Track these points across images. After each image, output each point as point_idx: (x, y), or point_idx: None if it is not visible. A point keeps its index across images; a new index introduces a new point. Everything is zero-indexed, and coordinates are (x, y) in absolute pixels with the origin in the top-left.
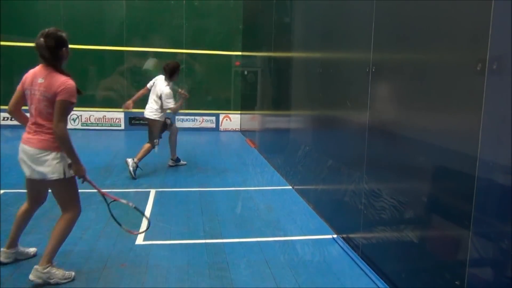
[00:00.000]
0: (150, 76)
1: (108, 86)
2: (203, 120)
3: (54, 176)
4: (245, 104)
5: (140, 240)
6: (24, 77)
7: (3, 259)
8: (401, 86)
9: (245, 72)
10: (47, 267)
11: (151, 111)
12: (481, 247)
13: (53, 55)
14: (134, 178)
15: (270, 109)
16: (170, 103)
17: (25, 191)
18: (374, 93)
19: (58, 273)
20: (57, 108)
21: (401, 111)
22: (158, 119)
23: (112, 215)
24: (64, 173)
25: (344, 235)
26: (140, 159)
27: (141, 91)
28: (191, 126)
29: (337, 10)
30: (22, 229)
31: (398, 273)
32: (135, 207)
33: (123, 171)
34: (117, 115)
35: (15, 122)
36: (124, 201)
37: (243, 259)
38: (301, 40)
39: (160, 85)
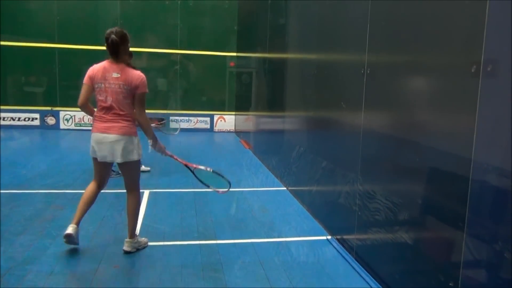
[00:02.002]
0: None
1: None
2: (198, 121)
3: (135, 157)
4: (239, 105)
5: None
6: (91, 73)
7: (73, 232)
8: (396, 88)
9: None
10: (135, 239)
11: None
12: (475, 249)
13: (123, 51)
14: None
15: (265, 110)
16: None
17: (18, 191)
18: (368, 94)
19: (141, 241)
20: (140, 100)
21: (395, 112)
22: None
23: (199, 180)
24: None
25: (338, 237)
26: None
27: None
28: (185, 127)
29: (332, 12)
30: (88, 208)
31: (392, 275)
32: (213, 171)
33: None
34: None
35: (8, 123)
36: (202, 167)
37: (237, 261)
38: (296, 42)
39: None
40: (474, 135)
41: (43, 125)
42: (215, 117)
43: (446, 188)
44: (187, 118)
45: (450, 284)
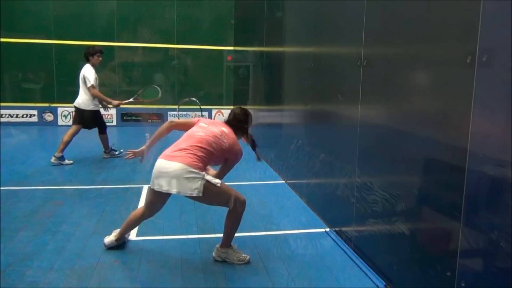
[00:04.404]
0: (140, 72)
1: (99, 82)
2: (196, 116)
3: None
4: (237, 99)
5: (133, 236)
6: None
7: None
8: (393, 79)
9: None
10: (226, 249)
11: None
12: (472, 238)
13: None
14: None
15: (263, 103)
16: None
17: (18, 188)
18: (365, 86)
19: (234, 255)
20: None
21: (392, 104)
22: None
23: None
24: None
25: (337, 229)
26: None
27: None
28: None
29: (329, 4)
30: (131, 229)
31: (390, 265)
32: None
33: (115, 167)
34: (109, 111)
35: (6, 120)
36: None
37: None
38: (292, 34)
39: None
40: (470, 126)
41: (41, 122)
42: (213, 112)
43: (442, 179)
44: (185, 113)
45: (447, 273)
